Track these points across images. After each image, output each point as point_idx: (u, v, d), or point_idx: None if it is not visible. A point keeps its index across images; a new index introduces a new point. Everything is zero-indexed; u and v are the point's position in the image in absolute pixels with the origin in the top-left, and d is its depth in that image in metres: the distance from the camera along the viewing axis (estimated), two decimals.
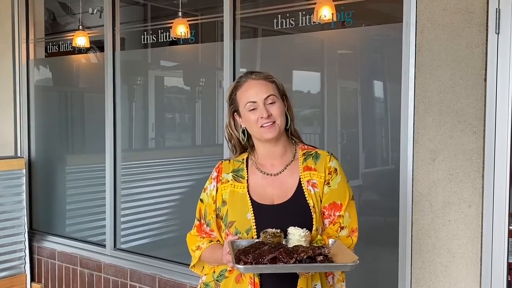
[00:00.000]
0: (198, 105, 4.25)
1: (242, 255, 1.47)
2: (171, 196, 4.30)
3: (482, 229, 2.51)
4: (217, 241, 1.85)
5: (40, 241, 4.77)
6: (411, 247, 2.70)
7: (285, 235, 1.63)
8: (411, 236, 2.70)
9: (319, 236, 1.72)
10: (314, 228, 1.72)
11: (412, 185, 2.68)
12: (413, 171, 2.67)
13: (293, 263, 1.46)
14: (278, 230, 1.62)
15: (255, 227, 1.73)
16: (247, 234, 1.72)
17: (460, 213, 2.56)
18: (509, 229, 2.48)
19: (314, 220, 1.74)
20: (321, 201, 1.77)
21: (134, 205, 4.41)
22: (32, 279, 4.74)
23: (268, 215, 1.74)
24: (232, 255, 1.51)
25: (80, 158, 4.97)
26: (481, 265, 2.53)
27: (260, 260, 1.45)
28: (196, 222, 1.92)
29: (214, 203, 1.83)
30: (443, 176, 2.59)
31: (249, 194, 1.79)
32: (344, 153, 3.18)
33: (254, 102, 1.76)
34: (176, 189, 4.28)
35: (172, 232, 4.25)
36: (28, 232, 4.75)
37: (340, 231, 1.78)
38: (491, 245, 2.49)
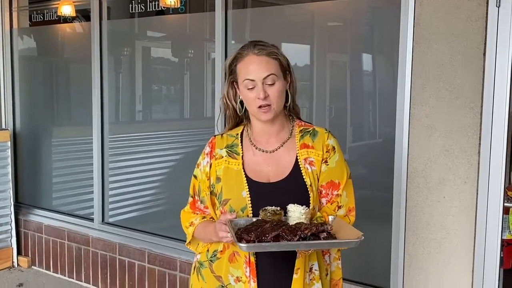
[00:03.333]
0: (187, 77, 4.16)
1: (244, 234, 1.42)
2: (160, 170, 4.24)
3: (476, 206, 2.50)
4: (210, 217, 1.81)
5: (26, 214, 4.69)
6: (405, 223, 2.69)
7: (284, 213, 1.59)
8: (405, 212, 2.68)
9: (318, 213, 1.69)
10: (311, 207, 1.68)
11: (407, 161, 2.65)
12: (408, 147, 2.64)
13: (297, 240, 1.41)
14: (278, 208, 1.58)
15: (250, 205, 1.68)
16: (243, 213, 1.67)
17: (455, 189, 2.54)
18: (504, 206, 2.47)
19: (311, 198, 1.68)
20: (318, 180, 1.72)
21: (123, 179, 4.35)
22: (19, 253, 4.69)
23: (264, 193, 1.69)
24: (233, 233, 1.46)
25: (66, 130, 4.88)
26: (474, 241, 2.52)
27: (263, 238, 1.41)
28: (190, 199, 1.87)
29: (208, 179, 1.77)
30: (439, 152, 2.56)
31: (244, 171, 1.73)
32: (332, 128, 3.13)
33: (252, 80, 1.68)
34: (164, 162, 4.22)
35: (162, 206, 4.21)
36: (14, 205, 4.68)
37: (337, 210, 1.74)
38: (485, 222, 2.48)
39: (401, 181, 2.67)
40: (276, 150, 1.75)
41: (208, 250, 1.79)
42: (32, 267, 4.61)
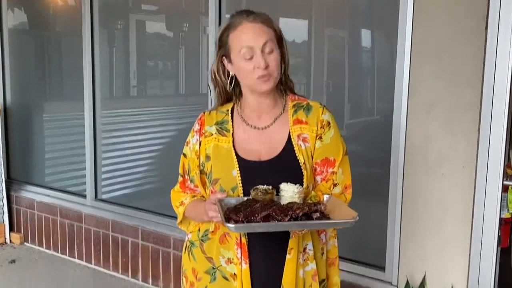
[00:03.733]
0: (182, 52, 4.06)
1: (232, 214, 1.35)
2: (154, 146, 4.17)
3: (475, 183, 2.44)
4: (201, 196, 1.74)
5: (18, 190, 4.63)
6: (402, 201, 2.63)
7: (277, 192, 1.52)
8: (402, 190, 2.63)
9: (313, 192, 1.61)
10: (304, 185, 1.58)
11: (405, 137, 2.58)
12: (407, 123, 2.57)
13: (288, 220, 1.35)
14: (270, 187, 1.50)
15: (241, 185, 1.59)
16: (233, 192, 1.60)
17: (454, 167, 2.48)
18: (503, 184, 2.41)
19: (304, 177, 1.60)
20: (312, 157, 1.65)
21: (116, 155, 4.29)
22: (11, 229, 4.64)
23: (255, 172, 1.61)
24: (221, 214, 1.39)
25: (58, 106, 4.79)
26: (472, 220, 2.47)
27: (252, 218, 1.34)
28: (180, 178, 1.80)
29: (197, 158, 1.69)
30: (438, 129, 2.49)
31: (234, 149, 1.66)
32: (330, 104, 3.05)
33: (251, 48, 1.56)
34: (159, 139, 4.14)
35: (155, 183, 4.15)
36: (6, 181, 4.61)
37: (333, 188, 1.67)
38: (484, 200, 2.42)
39: (398, 158, 2.61)
40: (268, 126, 1.67)
41: (199, 230, 1.73)
42: (25, 243, 4.57)
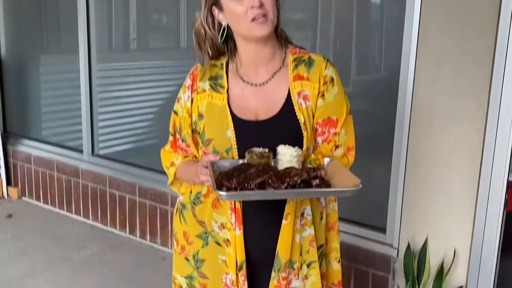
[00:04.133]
0: (183, 2, 3.88)
1: (224, 180, 1.25)
2: (153, 102, 4.04)
3: (483, 144, 2.33)
4: (193, 157, 1.64)
5: (15, 144, 4.55)
6: (406, 161, 2.54)
7: (274, 155, 1.41)
8: (407, 151, 2.53)
9: (313, 156, 1.50)
10: (304, 147, 1.47)
11: (412, 96, 2.46)
12: (414, 81, 2.44)
13: (285, 188, 1.25)
14: (266, 150, 1.39)
15: (236, 146, 1.48)
16: (227, 154, 1.50)
17: (462, 127, 2.37)
18: None
19: (305, 138, 1.48)
20: (313, 117, 1.53)
21: (113, 110, 4.17)
22: (8, 183, 4.58)
23: (251, 133, 1.50)
24: (213, 180, 1.29)
25: (55, 58, 4.63)
26: (479, 182, 2.38)
27: (246, 185, 1.24)
28: (170, 138, 1.69)
29: (189, 116, 1.58)
30: (447, 86, 2.37)
31: (229, 107, 1.54)
32: (336, 60, 2.91)
33: None
34: (158, 94, 4.02)
35: (153, 139, 4.05)
36: (2, 135, 4.53)
37: (334, 150, 1.56)
38: (492, 161, 2.32)
39: (404, 117, 2.50)
40: (266, 82, 1.55)
41: (191, 192, 1.63)
42: (22, 198, 4.53)
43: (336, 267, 1.67)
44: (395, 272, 2.64)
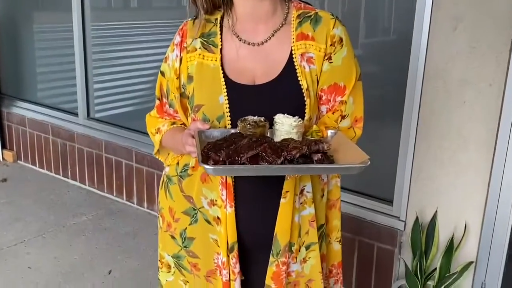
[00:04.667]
0: None
1: (211, 152, 1.09)
2: (152, 63, 3.85)
3: (501, 112, 2.16)
4: (181, 124, 1.47)
5: (9, 106, 4.40)
6: (416, 129, 2.37)
7: (271, 125, 1.24)
8: (418, 118, 2.35)
9: (315, 127, 1.32)
10: (307, 117, 1.30)
11: (425, 59, 2.27)
12: (428, 42, 2.25)
13: (281, 163, 1.08)
14: (262, 118, 1.22)
15: (229, 114, 1.31)
16: (219, 123, 1.33)
17: (478, 93, 2.19)
18: None
19: (307, 106, 1.31)
20: (318, 82, 1.35)
21: (109, 72, 4.00)
22: (3, 146, 4.46)
23: (247, 99, 1.33)
24: (199, 151, 1.13)
25: (49, 16, 4.43)
26: (494, 152, 2.21)
27: (237, 158, 1.07)
28: (157, 102, 1.52)
29: (177, 78, 1.40)
30: (464, 48, 2.18)
31: (222, 69, 1.36)
32: (345, 21, 2.70)
33: None
34: (157, 55, 3.81)
35: (152, 102, 3.84)
36: None
37: (340, 121, 1.38)
38: (510, 129, 2.15)
39: (416, 82, 2.31)
40: (265, 41, 1.36)
41: (178, 164, 1.47)
42: (18, 161, 4.40)
43: (336, 247, 1.52)
44: (402, 246, 2.51)
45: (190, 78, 1.37)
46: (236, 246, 1.35)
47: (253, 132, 1.16)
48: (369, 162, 1.09)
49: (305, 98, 1.31)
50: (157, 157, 1.56)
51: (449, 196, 2.35)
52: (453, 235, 2.31)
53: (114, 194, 3.74)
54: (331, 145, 1.14)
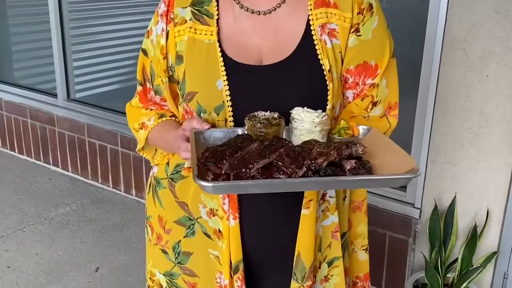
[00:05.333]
0: None
1: (211, 161, 0.83)
2: (135, 38, 3.55)
3: None
4: (171, 116, 1.19)
5: None
6: (434, 108, 2.13)
7: (287, 122, 0.97)
8: (435, 94, 2.11)
9: (342, 122, 1.04)
10: (329, 106, 1.04)
11: (444, 28, 2.01)
12: (447, 9, 1.99)
13: (303, 175, 0.83)
14: (276, 114, 0.95)
15: (230, 104, 1.04)
16: (218, 115, 1.05)
17: (503, 65, 1.95)
18: None
19: (330, 92, 1.04)
20: (342, 61, 1.09)
21: (89, 48, 3.71)
22: None
23: (252, 84, 1.06)
24: (194, 159, 0.86)
25: None
26: None
27: (244, 171, 0.82)
28: (139, 88, 1.24)
29: (164, 58, 1.13)
30: (487, 15, 1.92)
31: (220, 46, 1.08)
32: None
33: None
34: (141, 29, 3.51)
35: (135, 81, 3.59)
36: None
37: (371, 109, 1.12)
38: None
39: (433, 54, 2.06)
40: (275, 9, 1.09)
41: (168, 163, 1.21)
42: None
43: (362, 257, 1.28)
44: (417, 235, 2.29)
45: (179, 58, 1.10)
46: (241, 266, 1.11)
47: (265, 133, 0.89)
48: (420, 172, 0.84)
49: (327, 82, 1.05)
50: (141, 154, 1.29)
51: (469, 181, 2.13)
52: (475, 223, 2.09)
53: (100, 181, 3.48)
54: (367, 147, 0.88)
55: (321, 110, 0.96)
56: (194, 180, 0.81)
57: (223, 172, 0.81)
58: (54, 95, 3.65)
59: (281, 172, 0.82)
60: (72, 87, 3.63)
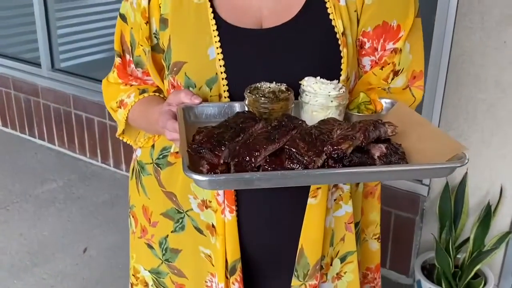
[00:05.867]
0: None
1: (205, 147, 0.65)
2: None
3: None
4: (154, 91, 1.02)
5: None
6: (446, 77, 1.96)
7: (296, 96, 0.80)
8: (448, 62, 1.94)
9: (362, 95, 0.86)
10: (343, 76, 0.88)
11: None
12: None
13: (323, 165, 0.66)
14: (283, 86, 0.78)
15: (225, 76, 0.88)
16: (210, 90, 0.88)
17: None
18: None
19: (344, 60, 0.88)
20: (358, 22, 0.92)
21: (74, 14, 3.49)
22: None
23: (251, 51, 0.89)
24: (183, 148, 0.69)
25: None
26: None
27: (249, 160, 0.65)
28: (117, 60, 1.06)
29: (146, 22, 0.95)
30: None
31: (212, 5, 0.90)
32: None
33: None
34: None
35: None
36: None
37: (392, 79, 0.95)
38: None
39: (447, 18, 1.89)
40: None
41: (153, 146, 1.04)
42: None
43: (374, 246, 1.13)
44: (424, 214, 2.15)
45: (163, 21, 0.93)
46: (239, 266, 0.95)
47: (270, 110, 0.73)
48: (468, 159, 0.68)
49: (341, 48, 0.88)
50: (122, 139, 1.11)
51: (481, 155, 1.99)
52: (489, 201, 1.96)
53: (88, 156, 3.31)
54: (397, 127, 0.72)
55: (337, 81, 0.79)
56: (184, 172, 0.65)
57: (221, 161, 0.64)
58: (38, 65, 3.45)
59: (294, 161, 0.65)
60: (56, 56, 3.42)
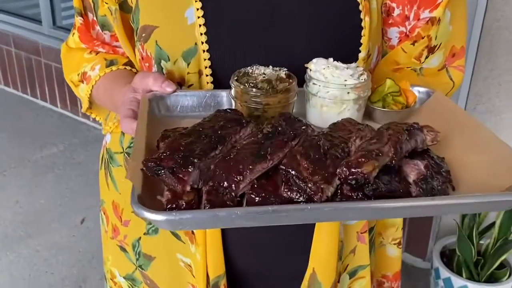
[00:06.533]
0: None
1: (164, 166, 0.45)
2: None
3: None
4: (125, 63, 0.86)
5: None
6: (478, 46, 1.75)
7: (300, 82, 0.60)
8: (481, 30, 1.73)
9: (389, 82, 0.66)
10: (362, 53, 0.69)
11: None
12: None
13: (335, 195, 0.45)
14: (283, 71, 0.59)
15: (207, 47, 0.69)
16: (187, 65, 0.69)
17: None
18: None
19: (365, 31, 0.69)
20: None
21: None
22: None
23: (243, 16, 0.70)
24: (137, 162, 0.49)
25: None
26: None
27: (227, 186, 0.44)
28: (77, 20, 0.88)
29: None
30: None
31: None
32: None
33: None
34: None
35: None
36: None
37: (426, 57, 0.75)
38: None
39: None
40: None
41: (123, 133, 0.86)
42: None
43: (393, 253, 0.95)
44: None
45: None
46: (223, 283, 0.78)
47: (265, 105, 0.54)
48: None
49: (362, 15, 0.68)
50: (90, 115, 0.93)
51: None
52: None
53: (91, 119, 3.16)
54: (439, 132, 0.52)
55: (356, 64, 0.60)
56: (131, 205, 0.47)
57: (187, 187, 0.45)
58: (39, 22, 3.26)
59: (294, 188, 0.45)
60: (58, 12, 3.22)
